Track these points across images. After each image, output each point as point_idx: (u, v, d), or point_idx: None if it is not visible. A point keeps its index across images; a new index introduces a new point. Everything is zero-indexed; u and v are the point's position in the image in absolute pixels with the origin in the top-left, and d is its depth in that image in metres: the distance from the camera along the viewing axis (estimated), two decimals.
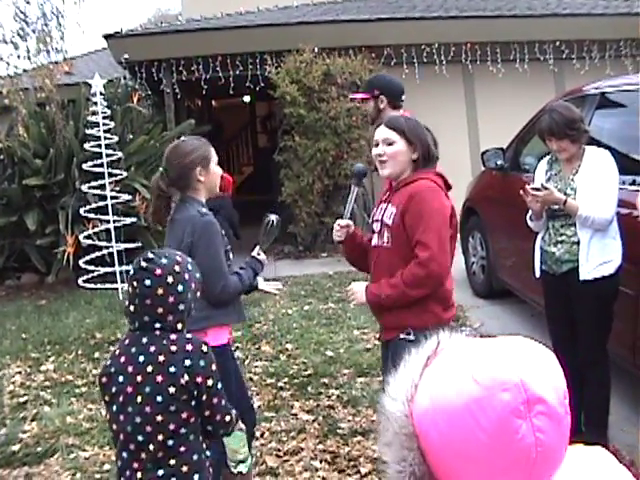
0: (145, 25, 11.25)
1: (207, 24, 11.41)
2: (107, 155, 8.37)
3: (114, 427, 2.33)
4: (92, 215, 8.42)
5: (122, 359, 2.31)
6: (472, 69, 11.51)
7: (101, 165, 8.31)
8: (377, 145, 3.20)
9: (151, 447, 2.27)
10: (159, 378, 2.25)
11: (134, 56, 10.60)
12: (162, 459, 2.27)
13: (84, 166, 8.55)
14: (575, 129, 3.75)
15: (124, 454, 2.31)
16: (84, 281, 8.40)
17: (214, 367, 2.34)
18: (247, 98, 18.07)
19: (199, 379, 2.27)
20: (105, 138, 8.45)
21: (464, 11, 11.69)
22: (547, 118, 3.83)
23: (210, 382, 2.30)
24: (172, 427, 2.26)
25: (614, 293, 3.79)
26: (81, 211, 8.48)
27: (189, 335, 2.37)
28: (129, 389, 2.28)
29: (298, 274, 9.24)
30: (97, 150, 8.46)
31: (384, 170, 3.19)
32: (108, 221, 8.24)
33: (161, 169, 3.30)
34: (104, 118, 8.56)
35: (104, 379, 2.34)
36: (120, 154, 8.61)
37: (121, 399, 2.30)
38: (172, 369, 2.25)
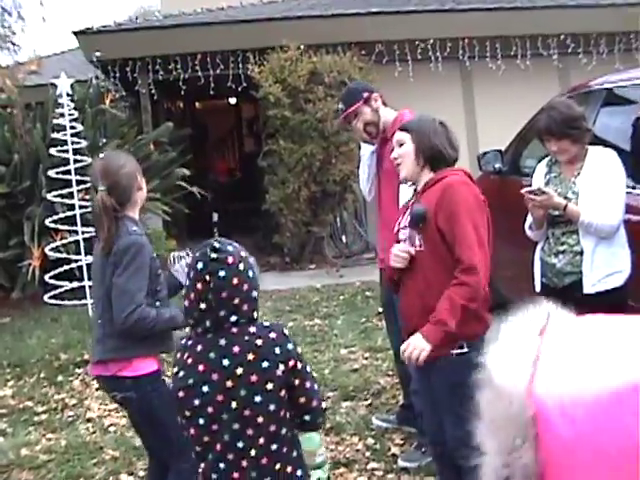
0: (120, 22, 11.02)
1: (185, 20, 11.34)
2: (76, 161, 8.22)
3: (205, 440, 2.30)
4: (60, 226, 8.28)
5: (200, 367, 2.28)
6: (470, 66, 11.42)
7: (69, 172, 8.14)
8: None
9: (253, 452, 2.28)
10: (253, 378, 2.25)
11: (107, 54, 10.48)
12: (267, 465, 2.29)
13: (51, 173, 8.39)
14: (576, 128, 3.62)
15: (221, 465, 2.30)
16: (51, 297, 8.25)
17: (299, 349, 2.37)
18: (233, 100, 17.94)
19: (291, 362, 2.29)
20: (73, 143, 8.29)
21: (461, 4, 11.63)
22: (545, 117, 3.70)
23: (300, 365, 2.33)
24: (273, 428, 2.28)
25: (622, 308, 3.62)
26: (48, 221, 8.33)
27: (266, 322, 2.40)
28: (219, 397, 2.26)
29: (284, 287, 9.12)
30: (65, 156, 8.31)
31: (400, 173, 3.30)
32: (77, 232, 8.06)
33: (102, 188, 3.18)
34: (73, 121, 8.41)
35: (180, 394, 2.31)
36: (90, 160, 8.40)
37: (210, 410, 2.28)
38: (265, 364, 2.25)
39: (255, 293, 2.34)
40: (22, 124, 9.27)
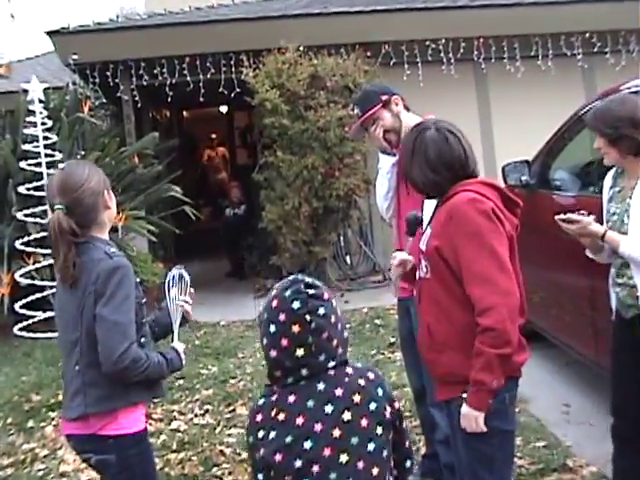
0: (99, 21, 10.82)
1: (172, 19, 11.17)
2: (49, 176, 7.91)
3: None
4: (32, 249, 8.11)
5: (299, 420, 2.15)
6: (485, 68, 11.29)
7: (42, 188, 7.90)
8: None
9: None
10: (364, 422, 2.16)
11: (85, 57, 10.32)
12: None
13: (22, 189, 8.17)
14: (612, 127, 3.35)
15: None
16: (22, 329, 8.04)
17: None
18: (224, 108, 17.85)
19: (395, 404, 2.27)
20: (47, 155, 8.07)
21: (475, 0, 11.45)
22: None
23: (398, 406, 2.30)
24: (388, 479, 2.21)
25: None
26: (18, 243, 8.15)
27: (357, 364, 2.34)
28: (326, 452, 2.12)
29: None
30: (38, 170, 8.08)
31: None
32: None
33: (59, 207, 2.85)
34: (46, 131, 8.20)
35: (278, 457, 2.13)
36: None
37: (317, 468, 2.13)
38: (373, 406, 2.19)
39: (346, 334, 2.28)
40: None
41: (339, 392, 2.16)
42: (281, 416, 2.17)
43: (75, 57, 10.22)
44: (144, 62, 10.57)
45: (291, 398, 2.18)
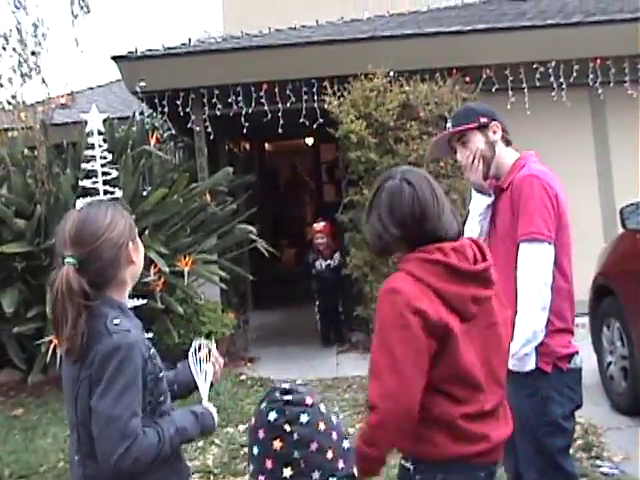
0: (169, 45, 10.89)
1: (248, 42, 11.21)
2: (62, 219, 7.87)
3: None
4: None
5: None
6: (603, 93, 11.03)
7: None
8: None
9: None
10: None
11: (153, 84, 10.41)
12: None
13: None
14: None
15: None
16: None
17: None
18: (310, 140, 17.85)
19: None
20: (106, 192, 7.96)
21: (591, 15, 11.25)
22: None
23: None
24: None
25: None
26: None
27: None
28: None
29: (366, 374, 8.62)
30: None
31: None
32: None
33: (70, 261, 2.55)
34: (109, 164, 8.12)
35: None
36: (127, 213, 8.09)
37: None
38: None
39: (347, 444, 2.19)
40: (48, 168, 9.14)
41: None
42: None
43: (142, 84, 10.30)
44: (218, 90, 10.59)
45: None
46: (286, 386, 2.15)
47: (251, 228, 10.19)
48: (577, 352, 3.72)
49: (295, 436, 2.04)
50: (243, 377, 9.03)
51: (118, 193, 8.17)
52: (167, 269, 8.53)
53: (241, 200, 11.26)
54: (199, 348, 3.01)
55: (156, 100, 10.68)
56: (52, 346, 8.11)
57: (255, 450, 2.10)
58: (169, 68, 10.68)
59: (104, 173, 8.00)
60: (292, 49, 10.73)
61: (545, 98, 10.68)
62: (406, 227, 2.87)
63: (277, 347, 10.46)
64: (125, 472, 2.48)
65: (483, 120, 3.85)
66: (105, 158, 8.06)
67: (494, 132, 3.85)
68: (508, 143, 3.91)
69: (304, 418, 2.08)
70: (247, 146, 15.72)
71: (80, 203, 7.93)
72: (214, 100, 10.63)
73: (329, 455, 2.09)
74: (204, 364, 2.98)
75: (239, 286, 11.63)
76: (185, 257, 8.99)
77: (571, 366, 3.67)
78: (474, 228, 4.00)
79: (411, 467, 2.88)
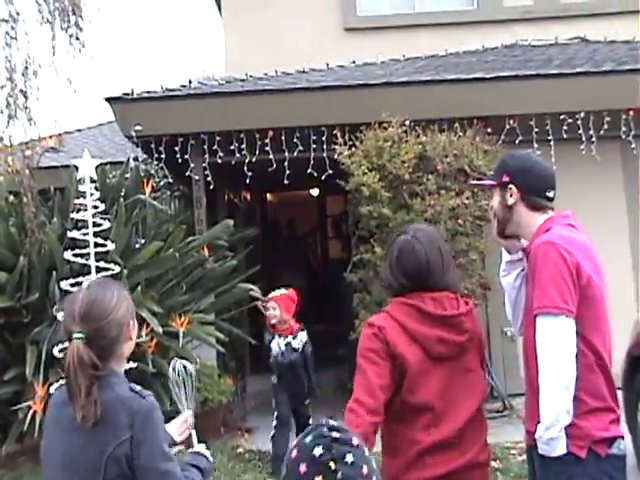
0: (168, 87, 10.92)
1: (253, 86, 11.29)
2: (98, 270, 7.88)
3: None
4: None
5: None
6: (636, 147, 11.01)
7: None
8: None
9: None
10: None
11: (150, 128, 10.44)
12: None
13: (65, 284, 8.04)
14: None
15: None
16: None
17: None
18: (315, 191, 17.84)
19: None
20: (97, 245, 7.93)
21: (623, 63, 11.28)
22: None
23: None
24: None
25: None
26: (58, 349, 7.78)
27: None
28: None
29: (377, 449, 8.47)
30: (85, 262, 7.98)
31: None
32: None
33: (80, 336, 3.00)
34: (100, 214, 8.09)
35: None
36: (118, 268, 8.11)
37: None
38: None
39: None
40: (34, 217, 9.13)
41: None
42: None
43: (138, 128, 10.30)
44: (219, 136, 10.63)
45: None
46: (334, 423, 2.18)
47: (252, 286, 10.13)
48: (621, 436, 3.62)
49: (339, 475, 2.06)
50: (240, 450, 8.93)
51: (110, 246, 8.15)
52: (160, 329, 8.48)
53: (241, 256, 11.23)
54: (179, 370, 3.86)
55: (152, 145, 10.70)
56: (31, 412, 8.06)
57: None
58: (167, 111, 10.71)
59: (95, 224, 7.97)
60: (300, 94, 10.78)
61: (573, 151, 10.65)
62: (411, 278, 3.80)
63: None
64: None
65: (505, 178, 3.89)
66: (97, 207, 8.04)
67: (510, 195, 3.87)
68: (534, 208, 3.86)
69: (349, 458, 2.10)
70: (248, 197, 15.73)
71: (86, 281, 7.93)
72: (215, 147, 10.64)
73: None
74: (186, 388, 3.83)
75: (237, 349, 11.55)
76: (180, 317, 8.94)
77: (612, 452, 3.56)
78: (511, 296, 4.07)
79: None
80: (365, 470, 2.12)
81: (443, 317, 3.74)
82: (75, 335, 2.99)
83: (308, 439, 2.15)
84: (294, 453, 2.16)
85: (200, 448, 3.61)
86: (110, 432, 2.96)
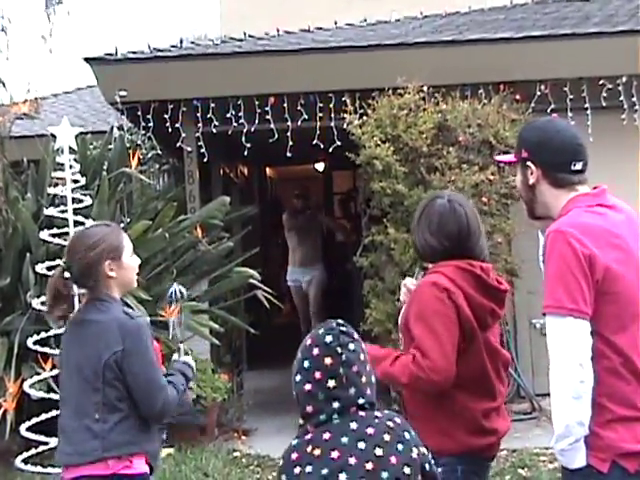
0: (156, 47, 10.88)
1: (253, 46, 11.27)
2: None
3: None
4: (50, 349, 7.86)
5: (334, 454, 2.95)
6: None
7: None
8: None
9: None
10: (393, 460, 2.97)
11: (136, 93, 10.41)
12: None
13: (41, 268, 8.02)
14: None
15: None
16: (27, 460, 7.75)
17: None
18: (320, 165, 17.77)
19: (422, 449, 3.09)
20: (77, 223, 7.88)
21: None
22: None
23: (424, 450, 3.12)
24: None
25: None
26: (32, 341, 7.91)
27: (386, 411, 3.17)
28: None
29: None
30: (64, 243, 7.91)
31: None
32: None
33: (61, 264, 4.41)
34: (80, 189, 8.06)
35: None
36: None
37: None
38: (400, 446, 3.01)
39: (374, 379, 3.13)
40: (4, 192, 9.13)
41: (370, 431, 2.98)
42: (317, 452, 2.97)
43: (123, 93, 10.26)
44: (214, 102, 10.59)
45: (326, 435, 2.99)
46: (341, 321, 3.14)
47: (252, 272, 10.09)
48: None
49: (343, 357, 3.01)
50: (237, 454, 8.93)
51: (92, 224, 8.11)
52: (148, 319, 8.43)
53: (238, 237, 11.21)
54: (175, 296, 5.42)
55: (139, 113, 10.66)
56: (1, 411, 8.09)
57: (306, 364, 3.06)
58: (156, 74, 10.68)
59: (74, 200, 7.93)
60: (305, 55, 10.78)
61: (613, 121, 10.57)
62: (453, 240, 4.24)
63: (277, 417, 10.25)
64: (163, 418, 4.47)
65: (523, 155, 3.81)
66: (76, 182, 8.00)
67: (531, 173, 3.78)
68: (559, 185, 3.75)
69: (352, 346, 3.06)
70: (245, 171, 15.71)
71: (44, 234, 7.95)
72: (209, 115, 10.59)
73: (363, 380, 3.04)
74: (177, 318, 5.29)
75: (233, 341, 11.52)
76: (170, 304, 8.90)
77: None
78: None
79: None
80: (362, 357, 3.08)
81: (497, 289, 4.30)
82: (60, 264, 4.49)
83: (321, 331, 3.11)
84: (309, 341, 3.11)
85: (187, 359, 4.77)
86: (105, 345, 4.18)
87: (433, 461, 3.51)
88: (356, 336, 3.11)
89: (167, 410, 4.33)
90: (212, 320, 9.59)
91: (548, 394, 3.46)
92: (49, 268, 7.97)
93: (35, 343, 7.88)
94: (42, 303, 7.96)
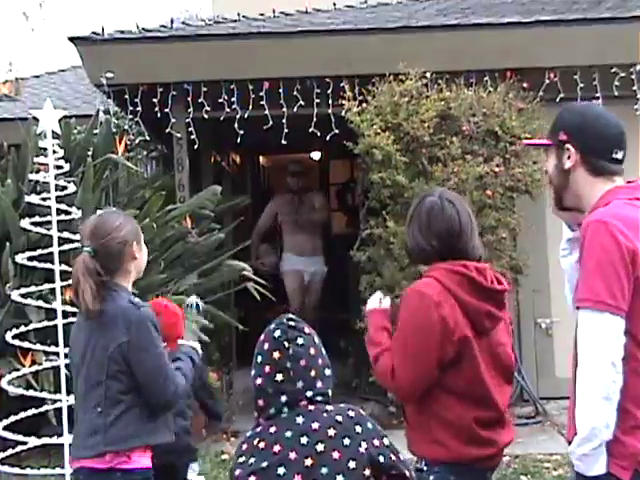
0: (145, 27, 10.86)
1: (247, 27, 11.27)
2: (63, 241, 7.80)
3: None
4: (30, 344, 7.95)
5: (276, 448, 3.12)
6: None
7: (50, 258, 7.74)
8: None
9: None
10: (335, 455, 3.09)
11: (124, 76, 10.41)
12: None
13: (22, 258, 8.05)
14: None
15: None
16: (4, 461, 7.78)
17: (379, 426, 3.30)
18: (316, 154, 17.73)
19: (375, 441, 3.19)
20: (60, 212, 7.87)
21: None
22: None
23: (387, 441, 3.25)
24: None
25: None
26: (11, 335, 7.89)
27: (341, 404, 3.33)
28: (297, 478, 3.07)
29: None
30: (46, 232, 7.90)
31: None
32: (58, 354, 7.65)
33: (87, 249, 4.37)
34: (63, 176, 8.05)
35: (252, 478, 3.11)
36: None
37: None
38: (347, 441, 3.12)
39: (328, 372, 3.31)
40: None
41: (315, 425, 3.14)
42: (261, 444, 3.15)
43: (109, 75, 10.26)
44: (205, 86, 10.61)
45: (272, 429, 3.17)
46: (292, 316, 3.35)
47: (243, 265, 10.08)
48: None
49: (290, 351, 3.20)
50: (225, 456, 8.90)
51: (75, 213, 8.10)
52: None
53: (229, 228, 11.20)
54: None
55: (126, 96, 10.67)
56: None
57: (259, 358, 3.25)
58: (144, 56, 10.70)
59: (57, 187, 7.91)
60: (302, 38, 10.78)
61: (626, 111, 10.18)
62: (442, 240, 4.21)
63: None
64: (173, 406, 4.62)
65: (562, 136, 3.74)
66: (60, 168, 8.00)
67: (568, 157, 3.72)
68: (597, 172, 3.70)
69: (300, 340, 3.24)
70: (238, 159, 15.71)
71: (24, 223, 7.94)
72: (200, 99, 10.60)
73: (312, 373, 3.22)
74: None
75: (222, 337, 11.51)
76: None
77: None
78: (571, 277, 3.93)
79: (424, 468, 4.12)
80: (312, 351, 3.26)
81: (494, 291, 4.27)
82: (84, 249, 4.40)
83: (272, 326, 3.30)
84: (262, 337, 3.30)
85: (194, 344, 5.14)
86: (111, 336, 4.33)
87: (426, 469, 3.94)
88: (307, 330, 3.29)
89: (177, 398, 4.53)
90: (202, 316, 9.58)
91: (553, 398, 3.48)
92: (30, 258, 7.98)
93: (14, 337, 7.89)
94: (22, 295, 7.99)
